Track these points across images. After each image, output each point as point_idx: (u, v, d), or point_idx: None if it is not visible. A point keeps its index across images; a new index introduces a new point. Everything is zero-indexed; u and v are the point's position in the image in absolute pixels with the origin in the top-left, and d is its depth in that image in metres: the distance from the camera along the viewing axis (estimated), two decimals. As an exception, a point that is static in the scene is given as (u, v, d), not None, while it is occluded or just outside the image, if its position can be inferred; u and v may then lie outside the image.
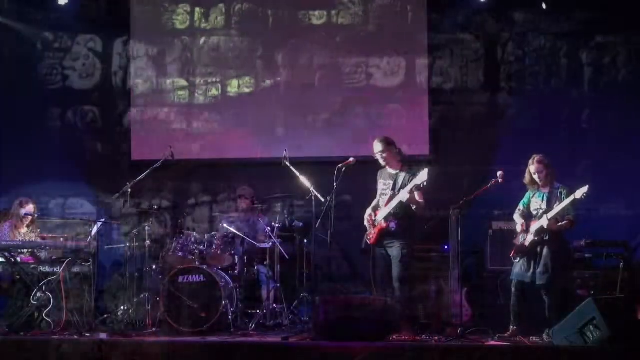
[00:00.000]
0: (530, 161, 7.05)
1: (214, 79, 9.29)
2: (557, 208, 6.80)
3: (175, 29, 9.35)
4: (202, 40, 9.31)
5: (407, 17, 9.03)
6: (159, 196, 9.26)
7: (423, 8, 8.97)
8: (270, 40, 9.25)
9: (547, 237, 6.87)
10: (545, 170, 6.98)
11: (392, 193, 7.14)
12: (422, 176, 6.85)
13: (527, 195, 7.16)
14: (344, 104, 9.11)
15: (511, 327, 6.93)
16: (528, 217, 7.09)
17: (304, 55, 9.18)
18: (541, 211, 6.94)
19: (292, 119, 9.17)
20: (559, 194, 6.92)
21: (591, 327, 6.04)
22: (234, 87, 9.28)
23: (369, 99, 9.09)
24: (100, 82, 9.48)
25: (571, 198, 6.73)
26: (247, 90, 9.24)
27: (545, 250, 6.86)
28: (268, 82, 9.22)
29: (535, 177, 7.00)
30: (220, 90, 9.29)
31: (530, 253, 6.92)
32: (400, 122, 8.99)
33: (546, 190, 7.02)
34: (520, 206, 7.17)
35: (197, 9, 9.32)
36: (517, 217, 7.16)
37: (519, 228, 7.03)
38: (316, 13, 9.16)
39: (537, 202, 7.03)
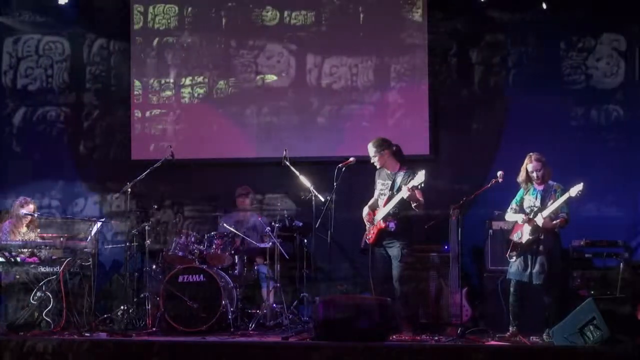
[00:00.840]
0: (527, 159, 7.04)
1: (211, 78, 9.29)
2: (552, 206, 6.79)
3: (171, 27, 9.34)
4: (197, 39, 9.30)
5: (406, 16, 9.03)
6: (159, 196, 9.26)
7: (422, 6, 8.98)
8: (269, 40, 9.26)
9: (542, 236, 6.87)
10: (542, 169, 6.98)
11: (390, 193, 7.14)
12: (420, 177, 6.85)
13: (519, 192, 7.14)
14: (344, 104, 9.10)
15: (511, 327, 6.93)
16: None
17: (303, 56, 9.19)
18: (535, 209, 6.93)
19: (292, 118, 9.16)
20: (553, 192, 6.92)
21: (591, 327, 6.04)
22: (230, 86, 9.26)
23: (368, 98, 9.07)
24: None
25: (566, 196, 6.74)
26: (244, 89, 9.24)
27: (541, 250, 6.85)
28: (268, 79, 9.22)
29: (533, 175, 6.99)
30: (217, 89, 9.28)
31: (526, 252, 6.91)
32: (400, 122, 8.97)
33: (540, 188, 7.01)
34: (513, 204, 7.15)
35: (190, 9, 9.33)
36: (511, 216, 7.14)
37: (521, 220, 6.98)
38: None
39: (530, 200, 7.02)
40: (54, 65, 9.43)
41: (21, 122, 9.46)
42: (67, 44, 9.44)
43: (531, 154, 7.06)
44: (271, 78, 9.21)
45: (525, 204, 7.05)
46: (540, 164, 6.98)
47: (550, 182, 7.02)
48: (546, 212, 6.81)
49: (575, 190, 6.68)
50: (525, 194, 7.08)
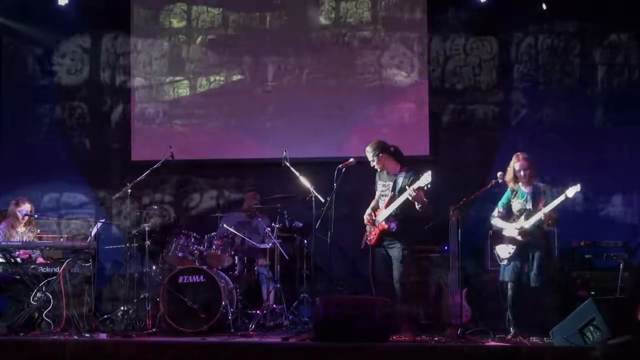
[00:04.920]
0: (514, 158, 7.03)
1: (210, 78, 9.30)
2: (552, 204, 6.76)
3: (171, 27, 9.35)
4: (197, 39, 9.31)
5: (407, 15, 9.04)
6: (159, 196, 9.28)
7: (423, 7, 8.99)
8: (263, 42, 9.27)
9: (535, 239, 6.85)
10: (529, 168, 6.97)
11: (392, 194, 7.13)
12: (426, 178, 6.83)
13: (505, 196, 7.12)
14: (344, 104, 9.10)
15: (511, 328, 6.91)
16: (507, 218, 7.09)
17: (304, 57, 9.19)
18: (525, 211, 6.91)
19: (291, 118, 9.16)
20: (542, 193, 6.91)
21: (591, 327, 6.05)
22: (229, 87, 9.28)
23: (369, 99, 9.08)
24: None
25: (563, 196, 6.71)
26: (244, 90, 9.24)
27: (536, 253, 6.84)
28: (268, 81, 9.23)
29: (520, 174, 6.97)
30: (216, 90, 9.29)
31: (520, 255, 6.90)
32: (400, 123, 8.98)
33: (528, 190, 6.99)
34: (500, 208, 7.13)
35: (194, 8, 9.34)
36: (497, 221, 7.11)
37: (512, 230, 6.94)
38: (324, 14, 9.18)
39: (519, 203, 7.00)
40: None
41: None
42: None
43: (518, 153, 7.07)
44: (272, 78, 9.23)
45: (515, 207, 7.02)
46: (527, 163, 6.97)
47: (537, 183, 7.01)
48: (548, 209, 6.77)
49: (573, 191, 6.67)
50: (513, 198, 7.06)
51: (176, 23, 9.36)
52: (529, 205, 6.93)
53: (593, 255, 7.72)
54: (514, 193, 7.07)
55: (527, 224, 6.85)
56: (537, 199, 6.92)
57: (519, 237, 6.87)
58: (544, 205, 6.82)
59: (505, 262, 6.97)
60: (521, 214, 6.95)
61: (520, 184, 7.03)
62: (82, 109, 9.48)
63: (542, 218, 6.79)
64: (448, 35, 9.00)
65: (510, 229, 6.95)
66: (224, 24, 9.29)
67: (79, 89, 9.51)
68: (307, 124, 9.14)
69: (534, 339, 6.74)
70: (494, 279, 7.68)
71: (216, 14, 9.29)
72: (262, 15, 9.25)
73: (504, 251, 6.99)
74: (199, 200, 9.28)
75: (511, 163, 7.05)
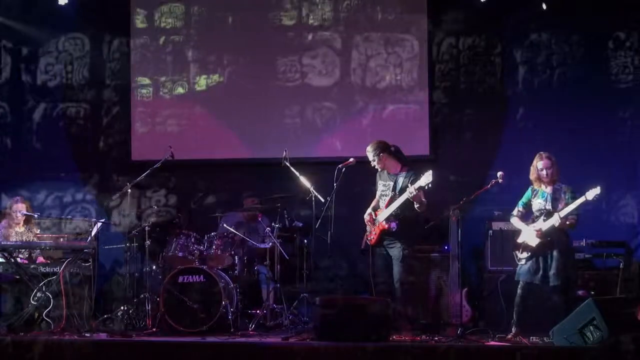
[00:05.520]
0: (537, 157, 6.97)
1: (211, 79, 9.31)
2: (569, 207, 6.72)
3: (169, 27, 9.36)
4: (197, 38, 9.34)
5: (405, 17, 9.05)
6: (160, 196, 9.28)
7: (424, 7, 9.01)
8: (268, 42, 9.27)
9: (554, 238, 6.81)
10: (553, 167, 6.93)
11: (392, 194, 7.13)
12: (427, 178, 6.82)
13: (526, 195, 7.09)
14: (344, 104, 9.10)
15: (513, 327, 6.91)
16: (527, 217, 7.07)
17: (295, 57, 9.20)
18: (544, 211, 6.89)
19: (291, 118, 9.16)
20: (563, 194, 6.88)
21: (591, 327, 6.04)
22: (229, 87, 9.28)
23: (368, 98, 9.08)
24: None
25: (582, 199, 6.65)
26: (242, 90, 9.25)
27: (555, 252, 6.78)
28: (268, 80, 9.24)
29: (543, 172, 6.91)
30: (215, 90, 9.30)
31: (537, 254, 6.89)
32: (401, 122, 8.98)
33: (549, 190, 6.95)
34: (520, 207, 7.10)
35: (196, 8, 9.35)
36: (516, 221, 7.08)
37: (529, 232, 6.91)
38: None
39: (540, 203, 6.95)
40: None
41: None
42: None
43: (541, 152, 7.00)
44: (273, 80, 9.24)
45: (535, 207, 6.97)
46: (550, 162, 6.91)
47: (558, 183, 6.97)
48: (563, 213, 6.73)
49: (592, 193, 6.58)
50: (533, 197, 7.01)
51: (174, 23, 9.36)
52: (549, 206, 6.87)
53: (593, 255, 7.72)
54: (535, 193, 7.01)
55: (545, 225, 6.81)
56: (557, 199, 6.87)
57: (537, 238, 6.84)
58: (564, 207, 6.79)
59: (523, 261, 6.92)
60: (540, 214, 6.90)
61: (542, 184, 7.01)
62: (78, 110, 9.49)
63: (557, 223, 6.75)
64: (447, 35, 9.01)
65: (528, 231, 6.91)
66: (225, 24, 9.31)
67: (80, 90, 9.51)
68: (307, 124, 9.14)
69: (534, 339, 6.75)
70: (494, 278, 7.70)
71: (218, 15, 9.31)
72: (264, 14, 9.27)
73: (522, 251, 6.97)
74: (197, 200, 9.29)
75: (534, 162, 6.99)
